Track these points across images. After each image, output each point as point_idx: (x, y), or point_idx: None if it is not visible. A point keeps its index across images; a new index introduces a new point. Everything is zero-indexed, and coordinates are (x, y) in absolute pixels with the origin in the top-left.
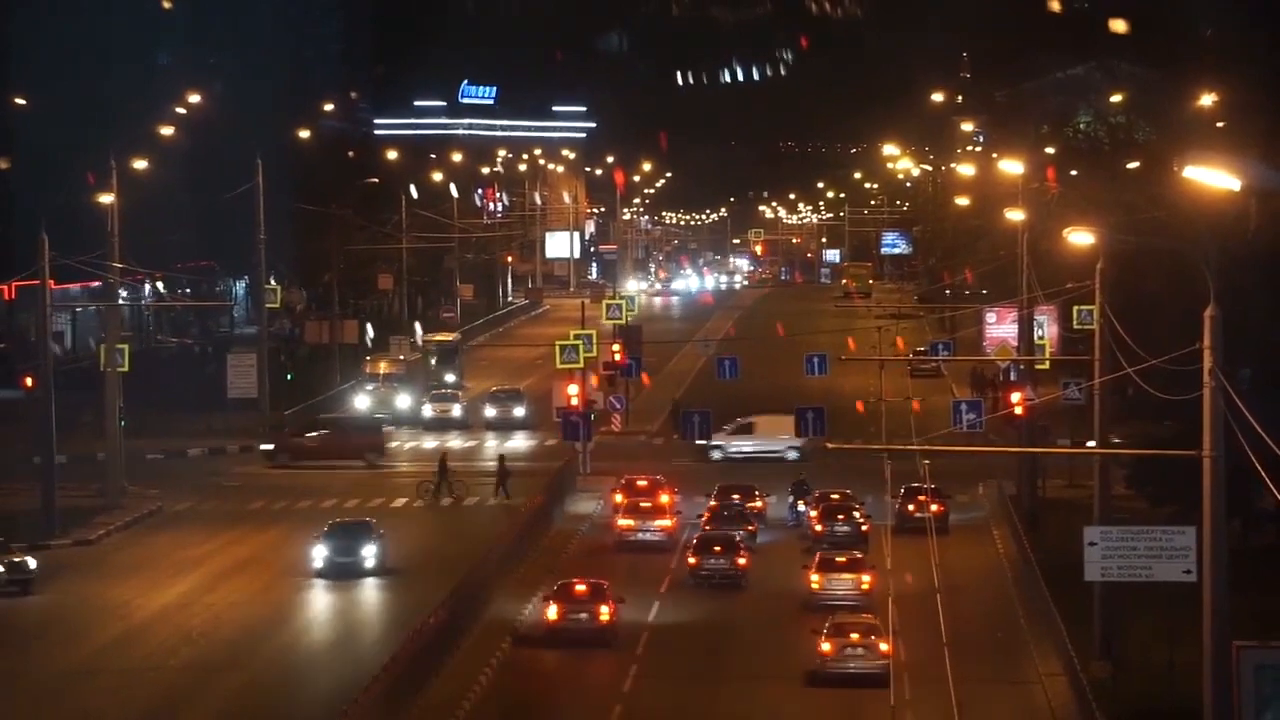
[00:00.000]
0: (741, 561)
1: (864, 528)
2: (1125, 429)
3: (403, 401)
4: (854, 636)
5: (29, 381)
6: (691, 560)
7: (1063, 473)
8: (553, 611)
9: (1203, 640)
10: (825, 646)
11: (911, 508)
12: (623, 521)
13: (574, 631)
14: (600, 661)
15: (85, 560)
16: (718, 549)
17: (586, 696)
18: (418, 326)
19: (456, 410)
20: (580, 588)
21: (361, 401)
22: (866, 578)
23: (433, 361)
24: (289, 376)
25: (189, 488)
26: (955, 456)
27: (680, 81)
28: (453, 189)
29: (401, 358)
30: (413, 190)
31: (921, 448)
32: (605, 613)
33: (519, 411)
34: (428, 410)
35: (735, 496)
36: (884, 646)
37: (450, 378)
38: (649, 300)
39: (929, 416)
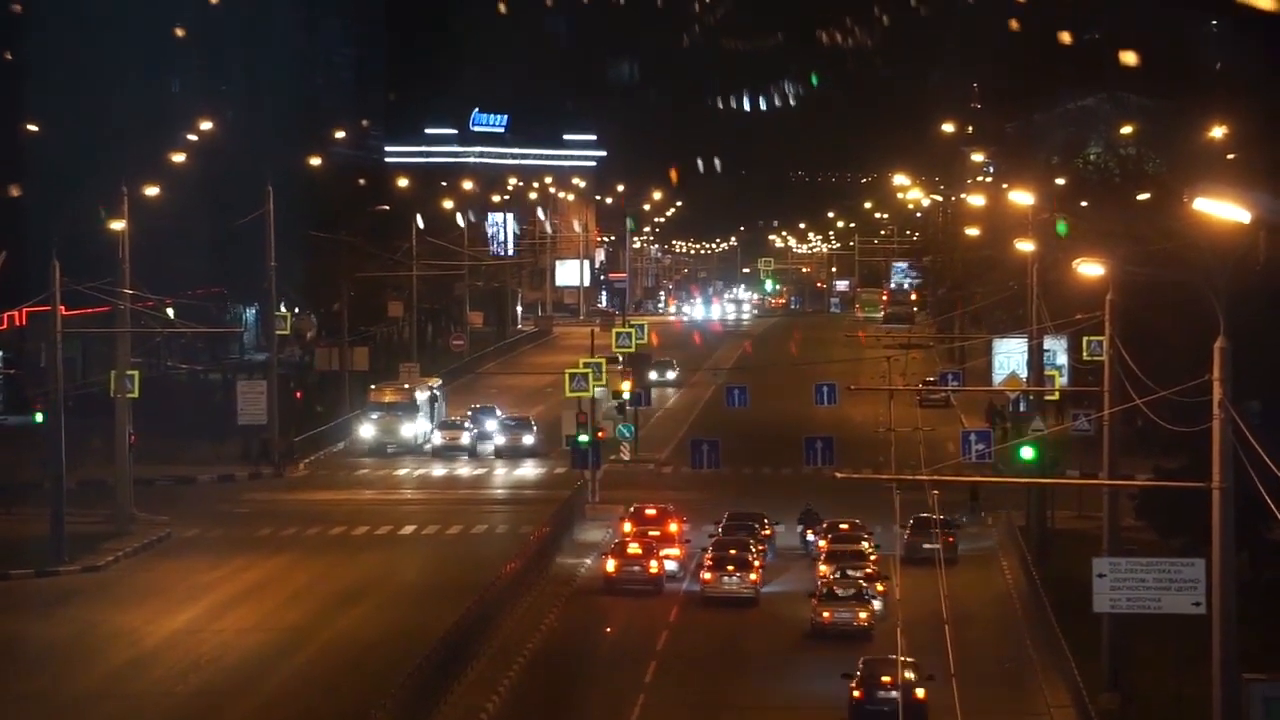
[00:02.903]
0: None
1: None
2: (1135, 460)
3: (408, 430)
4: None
5: (39, 417)
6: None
7: (1072, 503)
8: (611, 565)
9: (1211, 672)
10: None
11: (920, 538)
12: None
13: (629, 580)
14: None
15: (94, 586)
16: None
17: None
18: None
19: (465, 439)
20: (634, 548)
21: (366, 430)
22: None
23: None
24: (319, 409)
25: (198, 514)
26: (964, 487)
27: (691, 110)
28: (459, 219)
29: (407, 386)
30: (419, 221)
31: (930, 478)
32: (655, 566)
33: (528, 439)
34: (437, 438)
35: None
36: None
37: (427, 426)
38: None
39: (938, 447)
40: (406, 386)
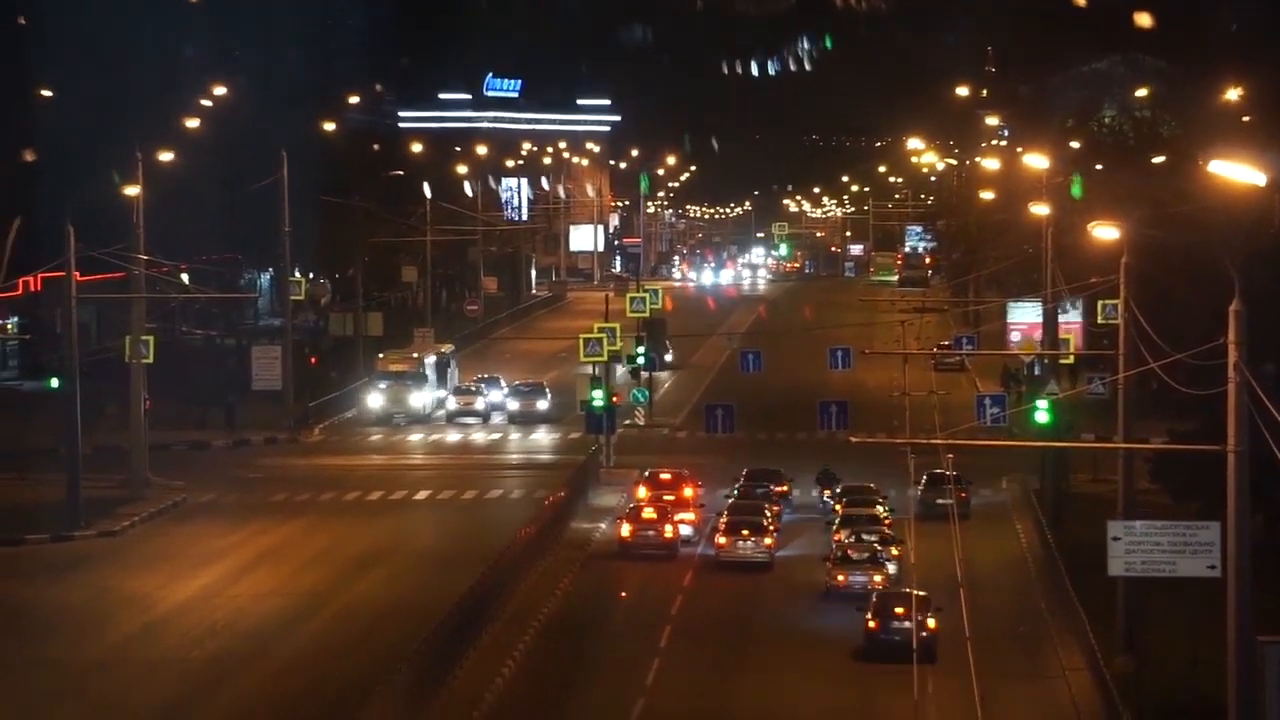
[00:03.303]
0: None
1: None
2: (1149, 424)
3: (417, 400)
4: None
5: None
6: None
7: (1086, 467)
8: (626, 529)
9: (1226, 634)
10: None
11: (934, 494)
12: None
13: (644, 545)
14: None
15: (109, 551)
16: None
17: None
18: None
19: (480, 404)
20: (649, 513)
21: (374, 400)
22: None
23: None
24: (333, 374)
25: (213, 479)
26: (980, 451)
27: (704, 75)
28: (467, 187)
29: (415, 354)
30: (427, 189)
31: (945, 442)
32: (669, 531)
33: (542, 405)
34: (452, 403)
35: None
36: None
37: (440, 393)
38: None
39: (953, 411)
40: (415, 355)
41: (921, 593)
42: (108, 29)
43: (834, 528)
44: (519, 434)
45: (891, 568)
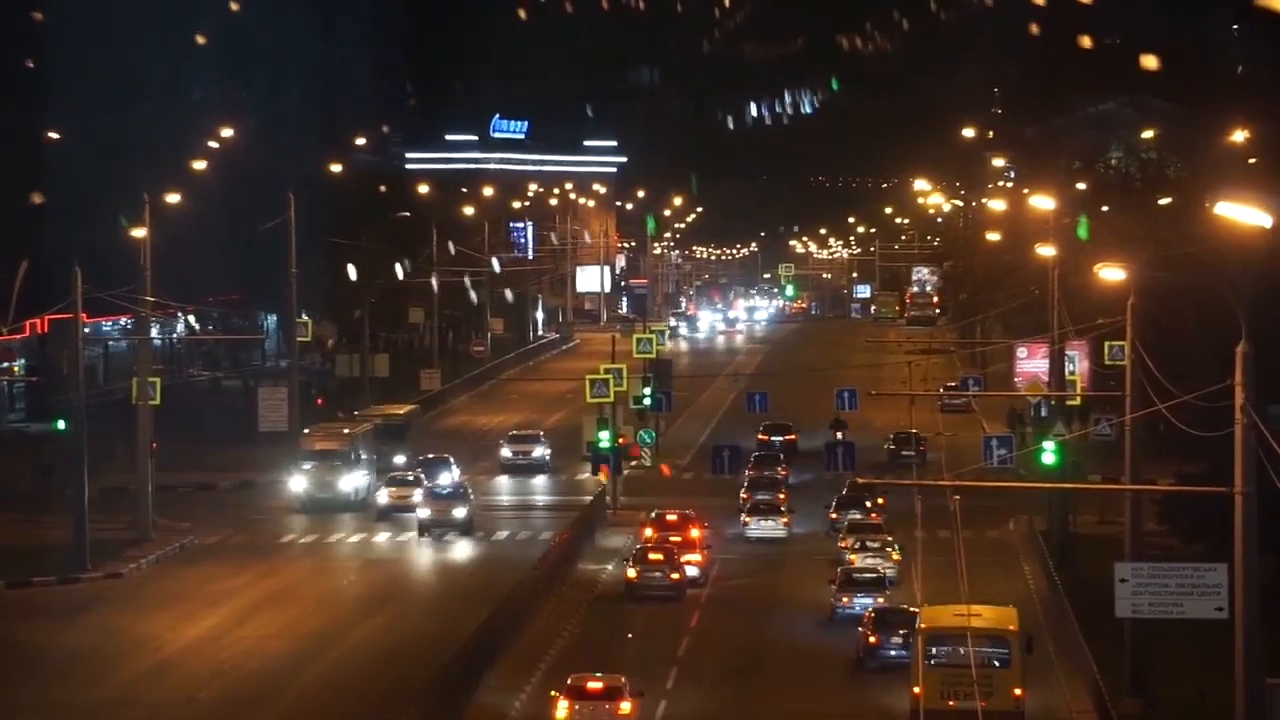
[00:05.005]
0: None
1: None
2: (1157, 465)
3: (346, 483)
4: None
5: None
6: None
7: (1094, 508)
8: (632, 571)
9: (1235, 676)
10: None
11: (900, 447)
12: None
13: (651, 586)
14: None
15: (116, 593)
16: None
17: None
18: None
19: (417, 496)
20: (655, 554)
21: (296, 484)
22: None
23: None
24: (339, 416)
25: (220, 520)
26: (986, 492)
27: (712, 116)
28: (463, 241)
29: (347, 431)
30: (440, 250)
31: (951, 483)
32: (676, 572)
33: (459, 513)
34: (383, 496)
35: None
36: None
37: (400, 459)
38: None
39: (960, 451)
40: (346, 430)
41: (916, 609)
42: (115, 71)
43: (840, 536)
44: (431, 546)
45: (888, 565)
